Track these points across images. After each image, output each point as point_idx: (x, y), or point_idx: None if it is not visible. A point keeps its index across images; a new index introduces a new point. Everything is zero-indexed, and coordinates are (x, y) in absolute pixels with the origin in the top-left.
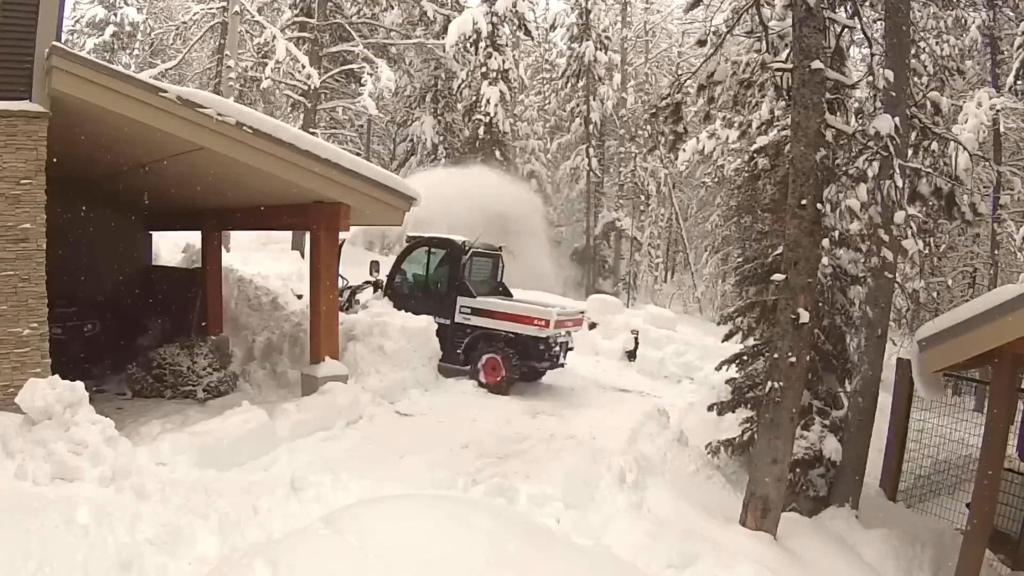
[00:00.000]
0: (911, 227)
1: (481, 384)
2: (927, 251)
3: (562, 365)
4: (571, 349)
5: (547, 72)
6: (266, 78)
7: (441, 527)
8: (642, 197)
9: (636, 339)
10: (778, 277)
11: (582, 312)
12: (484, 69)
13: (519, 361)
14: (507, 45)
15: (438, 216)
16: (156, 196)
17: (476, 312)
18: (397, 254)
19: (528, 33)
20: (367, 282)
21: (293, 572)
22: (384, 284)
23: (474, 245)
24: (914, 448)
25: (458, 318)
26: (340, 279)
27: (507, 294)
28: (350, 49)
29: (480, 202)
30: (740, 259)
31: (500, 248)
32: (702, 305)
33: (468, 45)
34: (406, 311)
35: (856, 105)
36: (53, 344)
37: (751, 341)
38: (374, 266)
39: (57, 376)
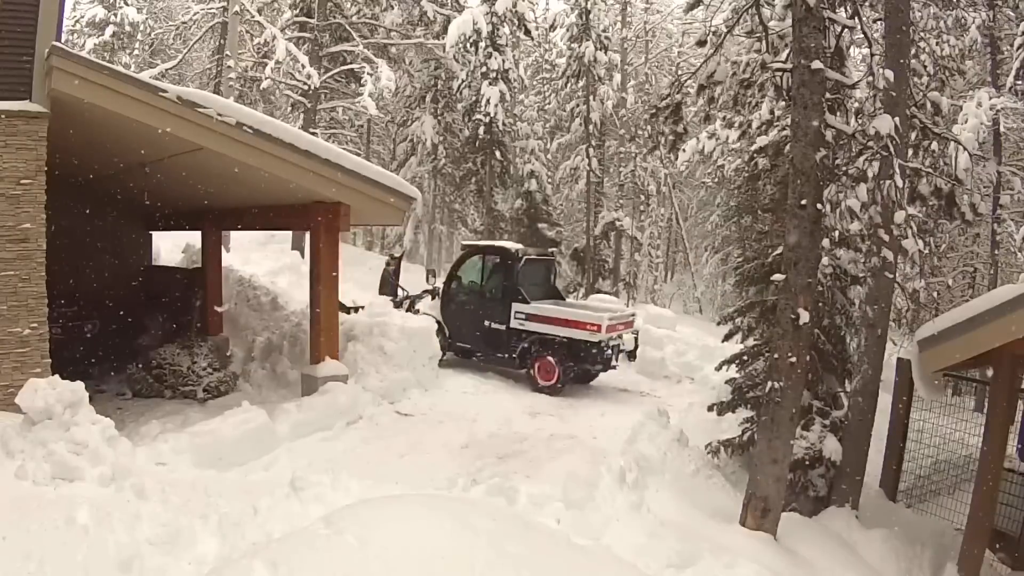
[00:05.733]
0: (911, 227)
1: (536, 387)
2: (927, 251)
3: (614, 367)
4: (623, 351)
5: (547, 72)
6: (266, 78)
7: (441, 527)
8: (642, 197)
9: (636, 339)
10: (778, 277)
11: (633, 315)
12: (484, 69)
13: (572, 364)
14: (507, 45)
15: None
16: (156, 196)
17: (530, 318)
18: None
19: (528, 33)
20: (425, 291)
21: (293, 572)
22: (440, 291)
23: (527, 252)
24: (914, 448)
25: (513, 323)
26: (400, 289)
27: (560, 298)
28: (350, 49)
29: None
30: (740, 259)
31: (552, 253)
32: (702, 305)
33: (468, 45)
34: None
35: (856, 105)
36: (53, 344)
37: (751, 341)
38: (431, 274)
39: (57, 376)
